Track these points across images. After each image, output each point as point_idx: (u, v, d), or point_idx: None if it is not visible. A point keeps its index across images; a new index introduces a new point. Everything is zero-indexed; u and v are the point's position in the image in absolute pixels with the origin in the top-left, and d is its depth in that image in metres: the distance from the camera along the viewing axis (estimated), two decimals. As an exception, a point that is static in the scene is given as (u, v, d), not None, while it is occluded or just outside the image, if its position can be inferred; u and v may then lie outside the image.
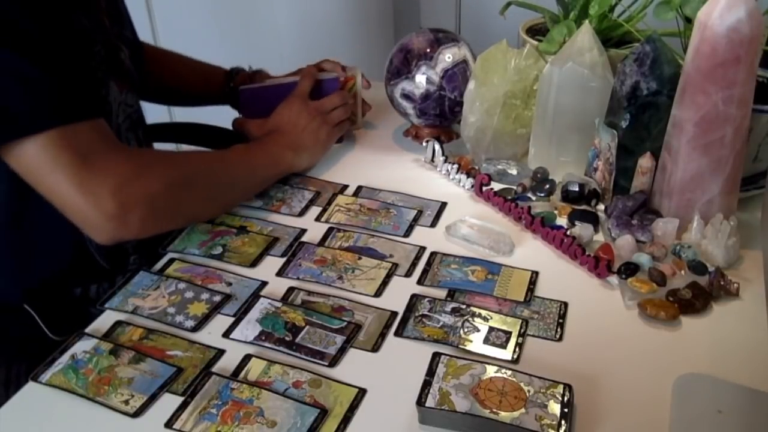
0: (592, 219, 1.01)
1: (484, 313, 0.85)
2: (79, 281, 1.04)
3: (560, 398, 0.72)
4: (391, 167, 1.20)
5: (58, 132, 0.83)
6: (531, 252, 0.98)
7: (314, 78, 1.21)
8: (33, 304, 0.99)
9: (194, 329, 0.84)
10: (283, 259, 0.97)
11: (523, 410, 0.70)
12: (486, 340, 0.82)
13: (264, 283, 0.92)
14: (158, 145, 1.25)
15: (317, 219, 1.06)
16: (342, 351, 0.81)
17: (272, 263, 0.96)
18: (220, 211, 1.04)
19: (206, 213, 1.02)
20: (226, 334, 0.84)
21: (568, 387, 0.73)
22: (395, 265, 0.95)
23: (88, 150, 0.84)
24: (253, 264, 0.96)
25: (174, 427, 0.72)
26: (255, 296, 0.89)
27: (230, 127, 1.30)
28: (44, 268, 1.00)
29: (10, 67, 0.81)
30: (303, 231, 1.03)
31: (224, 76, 1.36)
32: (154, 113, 1.35)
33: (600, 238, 1.00)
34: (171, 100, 1.49)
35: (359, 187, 1.14)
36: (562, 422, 0.69)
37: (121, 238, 0.88)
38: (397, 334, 0.84)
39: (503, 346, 0.81)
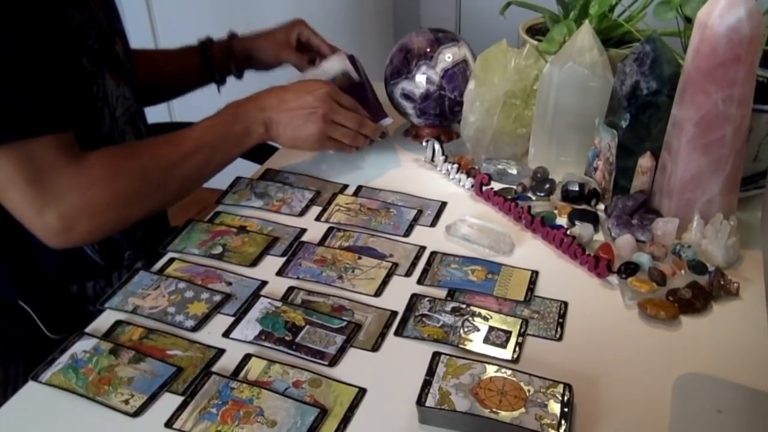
0: (592, 219, 1.01)
1: (484, 312, 0.85)
2: (74, 279, 1.04)
3: (560, 398, 0.72)
4: (391, 167, 1.20)
5: (13, 148, 0.84)
6: (531, 252, 0.98)
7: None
8: (30, 302, 0.99)
9: (194, 329, 0.84)
10: (283, 259, 0.96)
11: (523, 410, 0.70)
12: (486, 340, 0.82)
13: (264, 283, 0.92)
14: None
15: (317, 219, 1.06)
16: (342, 351, 0.81)
17: (272, 263, 0.96)
18: (178, 199, 1.02)
19: (162, 206, 1.01)
20: (226, 334, 0.84)
21: (568, 387, 0.73)
22: (395, 265, 0.95)
23: (41, 167, 0.86)
24: (253, 264, 0.96)
25: (174, 426, 0.72)
26: (255, 296, 0.89)
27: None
28: (39, 267, 1.00)
29: None
30: (303, 231, 1.03)
31: (199, 53, 1.29)
32: (154, 113, 1.34)
33: (600, 237, 1.00)
34: (158, 98, 1.37)
35: (359, 187, 1.14)
36: (562, 422, 0.69)
37: (70, 247, 0.93)
38: (397, 333, 0.83)
39: (503, 345, 0.81)
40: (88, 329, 0.85)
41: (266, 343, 0.82)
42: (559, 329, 0.84)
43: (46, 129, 0.86)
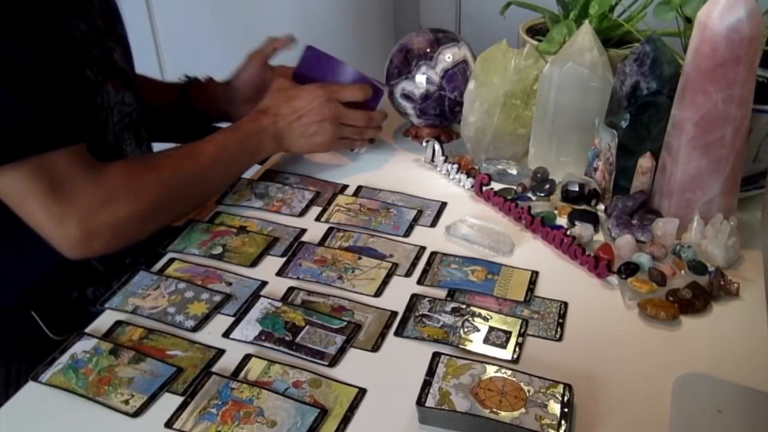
0: (592, 219, 1.01)
1: (484, 312, 0.85)
2: (75, 284, 1.03)
3: (560, 398, 0.72)
4: (391, 167, 1.20)
5: (31, 162, 0.84)
6: (531, 252, 0.98)
7: (368, 92, 1.13)
8: (31, 306, 0.99)
9: (194, 329, 0.84)
10: (283, 259, 0.96)
11: (523, 410, 0.70)
12: (486, 340, 0.82)
13: (264, 283, 0.92)
14: (159, 146, 1.23)
15: (317, 219, 1.06)
16: (342, 351, 0.81)
17: (272, 263, 0.96)
18: (191, 211, 1.05)
19: (176, 218, 1.02)
20: (226, 334, 0.84)
21: (568, 387, 0.73)
22: (395, 265, 0.95)
23: (60, 179, 0.86)
24: (253, 264, 0.96)
25: (174, 427, 0.72)
26: (255, 296, 0.89)
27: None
28: (40, 272, 1.00)
29: None
30: (303, 231, 1.03)
31: (177, 93, 1.25)
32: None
33: (600, 238, 1.00)
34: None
35: (359, 187, 1.14)
36: (562, 422, 0.69)
37: (88, 257, 0.93)
38: (397, 334, 0.84)
39: (503, 345, 0.81)
40: (88, 329, 0.85)
41: (266, 344, 0.82)
42: (559, 329, 0.84)
43: (62, 142, 0.86)
